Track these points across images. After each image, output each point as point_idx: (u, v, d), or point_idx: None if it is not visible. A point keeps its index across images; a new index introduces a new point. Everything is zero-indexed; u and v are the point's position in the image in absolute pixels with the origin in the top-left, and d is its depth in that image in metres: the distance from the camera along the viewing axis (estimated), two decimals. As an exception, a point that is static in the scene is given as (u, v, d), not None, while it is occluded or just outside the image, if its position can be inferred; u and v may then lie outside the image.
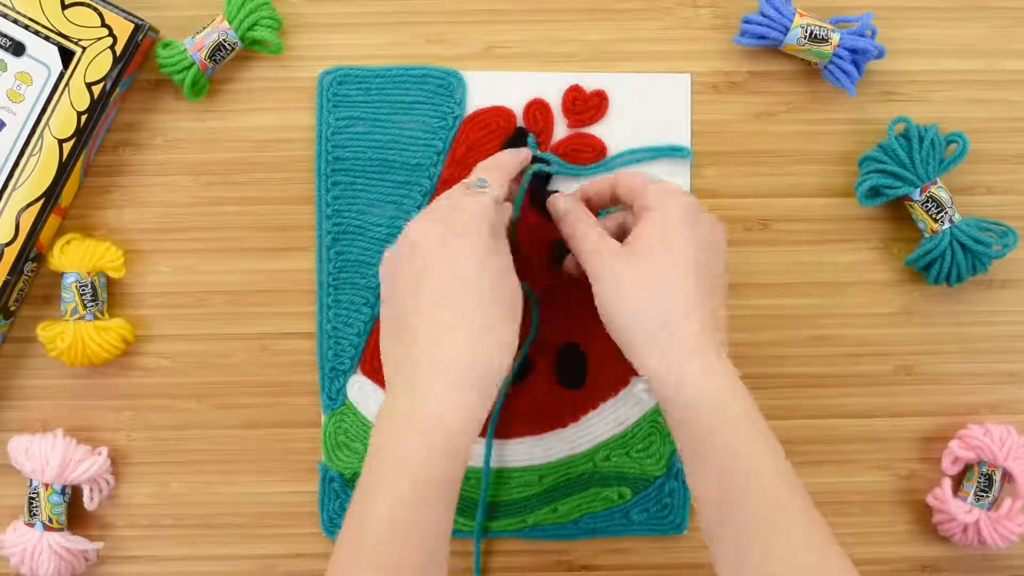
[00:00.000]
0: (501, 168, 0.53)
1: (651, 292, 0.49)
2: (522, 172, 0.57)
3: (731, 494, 0.46)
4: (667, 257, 0.49)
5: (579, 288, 0.59)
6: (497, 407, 0.59)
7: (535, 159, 0.58)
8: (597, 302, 0.50)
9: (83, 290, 0.58)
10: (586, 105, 0.59)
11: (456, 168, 0.59)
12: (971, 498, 0.59)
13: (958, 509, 0.59)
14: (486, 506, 0.60)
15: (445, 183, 0.59)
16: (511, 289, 0.49)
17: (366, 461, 0.48)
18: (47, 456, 0.58)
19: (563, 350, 0.60)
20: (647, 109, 0.60)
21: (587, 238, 0.51)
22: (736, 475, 0.46)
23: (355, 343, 0.60)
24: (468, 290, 0.48)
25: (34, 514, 0.59)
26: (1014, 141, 0.60)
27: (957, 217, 0.58)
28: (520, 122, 0.60)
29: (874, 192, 0.58)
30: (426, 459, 0.46)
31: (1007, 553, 0.62)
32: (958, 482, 0.61)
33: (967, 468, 0.61)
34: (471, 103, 0.59)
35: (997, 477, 0.59)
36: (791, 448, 0.61)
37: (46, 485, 0.59)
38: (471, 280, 0.48)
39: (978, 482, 0.59)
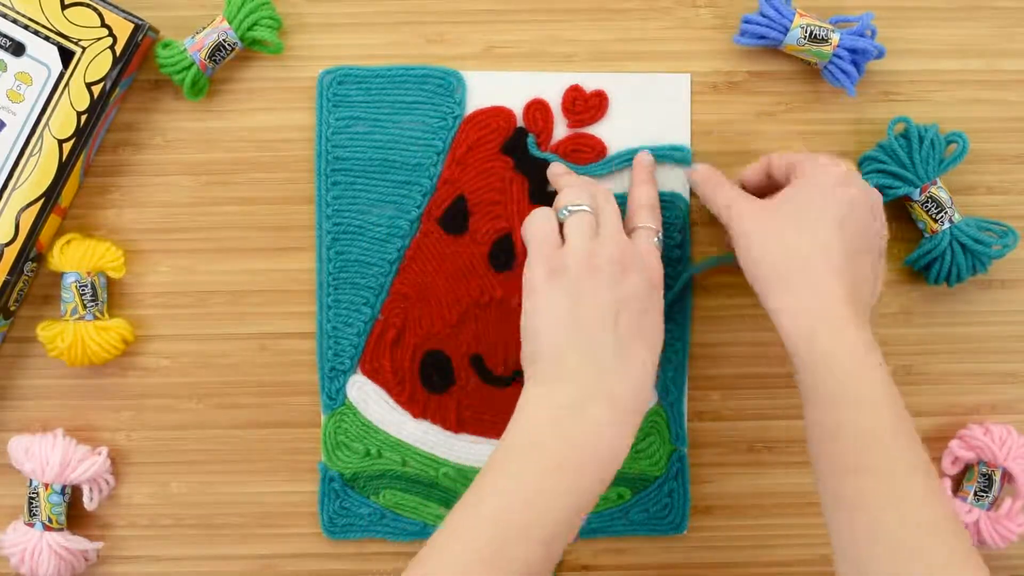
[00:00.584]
0: (657, 210, 0.55)
1: (793, 242, 0.50)
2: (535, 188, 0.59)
3: (849, 457, 0.46)
4: (814, 210, 0.50)
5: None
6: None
7: (540, 161, 0.58)
8: (741, 257, 0.51)
9: (83, 290, 0.58)
10: (586, 105, 0.59)
11: (456, 168, 0.59)
12: (971, 498, 0.59)
13: (958, 509, 0.59)
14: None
15: (445, 183, 0.59)
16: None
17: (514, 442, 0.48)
18: (47, 456, 0.58)
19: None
20: (647, 109, 0.60)
21: (726, 195, 0.53)
22: (856, 441, 0.46)
23: (355, 343, 0.60)
24: (653, 338, 0.50)
25: (34, 514, 0.59)
26: (1014, 141, 0.60)
27: (957, 217, 0.58)
28: (520, 122, 0.60)
29: (874, 192, 0.58)
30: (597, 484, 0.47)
31: (1008, 553, 0.62)
32: (958, 482, 0.61)
33: (967, 468, 0.61)
34: (471, 103, 0.59)
35: (997, 477, 0.59)
36: (791, 448, 0.61)
37: (46, 485, 0.59)
38: (657, 329, 0.50)
39: (978, 482, 0.59)
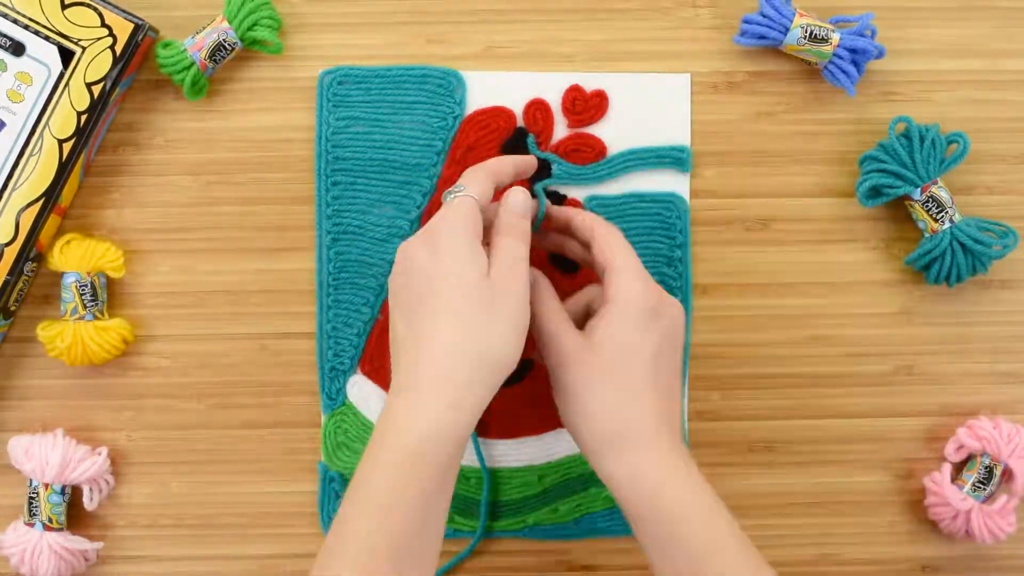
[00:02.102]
0: (482, 170, 0.52)
1: (612, 401, 0.48)
2: (533, 180, 0.57)
3: None
4: (629, 361, 0.49)
5: (578, 288, 0.59)
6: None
7: (540, 161, 0.58)
8: (558, 402, 0.50)
9: (83, 290, 0.58)
10: (586, 105, 0.59)
11: (456, 168, 0.59)
12: (968, 487, 0.59)
13: (953, 495, 0.59)
14: (492, 506, 0.60)
15: (445, 183, 0.59)
16: (506, 285, 0.48)
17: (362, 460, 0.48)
18: (47, 456, 0.58)
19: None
20: (647, 109, 0.60)
21: (551, 322, 0.51)
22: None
23: (355, 343, 0.60)
24: (456, 294, 0.47)
25: (34, 514, 0.59)
26: (1014, 141, 0.60)
27: (957, 217, 0.58)
28: (520, 122, 0.60)
29: (875, 192, 0.58)
30: (418, 454, 0.46)
31: (1008, 553, 0.62)
32: (958, 469, 0.61)
33: (969, 458, 0.61)
34: (471, 103, 0.59)
35: (998, 472, 0.59)
36: (791, 448, 0.61)
37: (46, 485, 0.59)
38: (458, 284, 0.47)
39: (978, 473, 0.59)
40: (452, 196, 0.50)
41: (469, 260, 0.47)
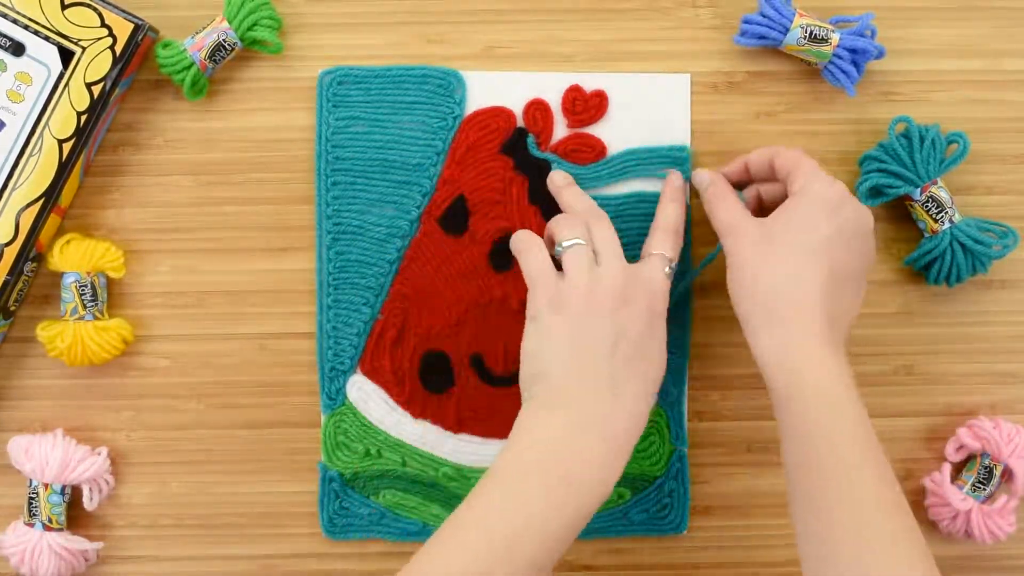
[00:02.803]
0: (679, 235, 0.55)
1: (782, 277, 0.50)
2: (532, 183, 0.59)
3: (823, 494, 0.47)
4: (804, 243, 0.50)
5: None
6: None
7: (540, 161, 0.58)
8: (728, 277, 0.52)
9: (83, 290, 0.58)
10: (586, 105, 0.59)
11: (456, 168, 0.59)
12: (968, 488, 0.59)
13: (953, 495, 0.59)
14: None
15: (445, 183, 0.59)
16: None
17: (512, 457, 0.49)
18: (47, 456, 0.58)
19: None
20: (647, 109, 0.60)
21: (728, 212, 0.53)
22: (830, 479, 0.47)
23: (355, 343, 0.60)
24: (651, 367, 0.51)
25: (34, 514, 0.59)
26: (1014, 141, 0.60)
27: (957, 217, 0.58)
28: (520, 122, 0.60)
29: (875, 192, 0.58)
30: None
31: (1008, 553, 0.62)
32: (958, 470, 0.61)
33: (969, 458, 0.61)
34: (471, 103, 0.59)
35: (998, 472, 0.59)
36: (791, 448, 0.61)
37: (46, 485, 0.59)
38: (655, 358, 0.51)
39: (978, 473, 0.59)
40: (667, 273, 0.53)
41: (664, 337, 0.52)
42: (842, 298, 0.51)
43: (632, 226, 0.59)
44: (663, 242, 0.54)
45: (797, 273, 0.50)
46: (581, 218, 0.54)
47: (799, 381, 0.49)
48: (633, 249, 0.56)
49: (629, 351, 0.50)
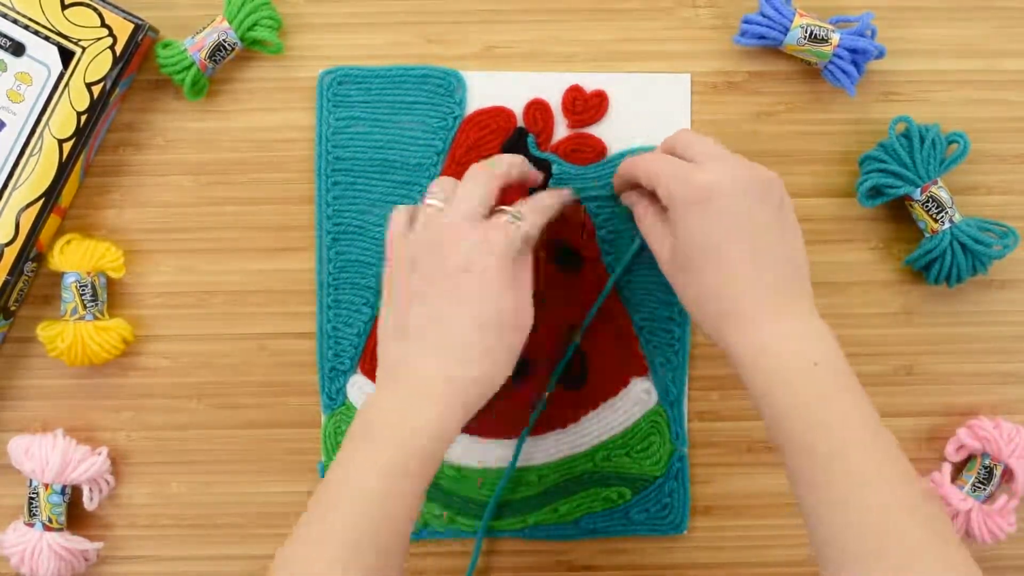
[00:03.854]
0: (543, 212, 0.53)
1: (710, 281, 0.49)
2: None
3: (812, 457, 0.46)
4: (709, 246, 0.49)
5: (578, 288, 0.59)
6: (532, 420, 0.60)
7: (540, 161, 0.59)
8: (682, 302, 0.52)
9: (83, 290, 0.58)
10: (586, 105, 0.59)
11: (456, 168, 0.59)
12: (968, 488, 0.59)
13: (954, 495, 0.59)
14: (488, 506, 0.60)
15: (445, 183, 0.59)
16: (518, 320, 0.50)
17: (346, 441, 0.49)
18: (47, 456, 0.58)
19: (562, 350, 0.60)
20: (647, 109, 0.60)
21: (650, 237, 0.53)
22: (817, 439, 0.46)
23: (355, 343, 0.60)
24: (475, 316, 0.49)
25: (34, 514, 0.59)
26: (1014, 141, 0.60)
27: (957, 217, 0.58)
28: (520, 122, 0.60)
29: (875, 192, 0.58)
30: (398, 460, 0.47)
31: (1008, 553, 0.62)
32: (958, 470, 0.61)
33: (969, 458, 0.61)
34: (471, 103, 0.59)
35: (998, 472, 0.59)
36: (791, 448, 0.61)
37: (46, 485, 0.59)
38: (482, 308, 0.49)
39: (978, 473, 0.59)
40: (512, 221, 0.51)
41: (501, 291, 0.49)
42: (777, 259, 0.49)
43: (632, 226, 0.59)
44: (521, 205, 0.52)
45: (719, 280, 0.49)
46: (452, 180, 0.53)
47: (763, 363, 0.48)
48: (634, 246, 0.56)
49: (427, 298, 0.49)
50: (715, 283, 0.49)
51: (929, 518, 0.44)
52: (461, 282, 0.49)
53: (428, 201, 0.51)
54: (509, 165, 0.53)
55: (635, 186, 0.55)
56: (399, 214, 0.52)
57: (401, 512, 0.46)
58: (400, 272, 0.51)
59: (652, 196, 0.54)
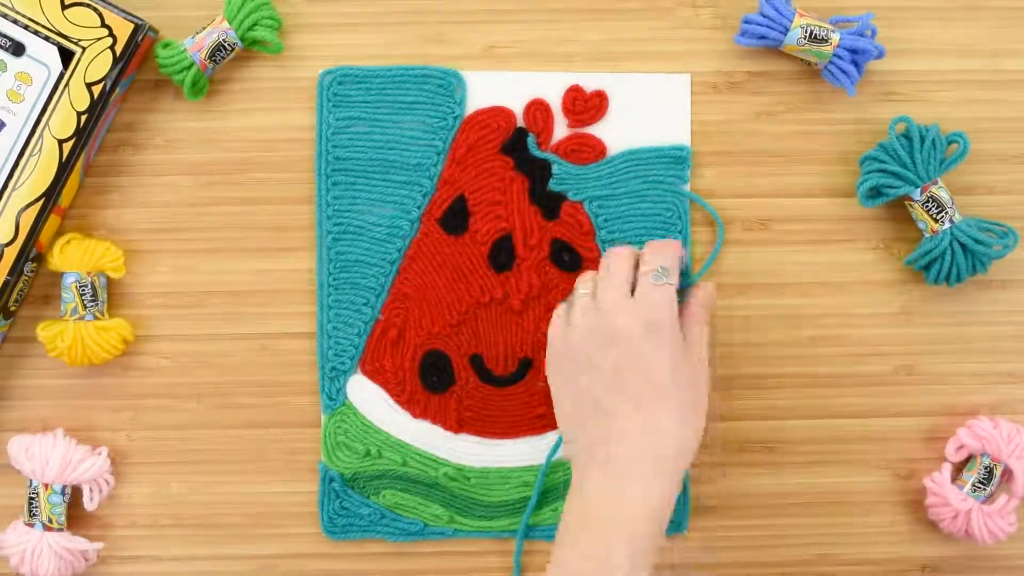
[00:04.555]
0: (675, 258, 0.53)
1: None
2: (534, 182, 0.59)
3: None
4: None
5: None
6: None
7: (540, 161, 0.59)
8: None
9: (83, 290, 0.58)
10: (586, 105, 0.59)
11: (456, 168, 0.59)
12: (968, 488, 0.59)
13: (954, 495, 0.59)
14: (492, 506, 0.60)
15: (445, 183, 0.59)
16: (699, 375, 0.52)
17: (567, 535, 0.51)
18: (47, 456, 0.58)
19: (563, 350, 0.60)
20: (647, 109, 0.60)
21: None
22: None
23: (355, 343, 0.60)
24: (668, 387, 0.50)
25: (34, 514, 0.59)
26: (1014, 141, 0.60)
27: (957, 217, 0.58)
28: (520, 122, 0.60)
29: (875, 192, 0.58)
30: (632, 542, 0.48)
31: (1008, 553, 0.62)
32: (958, 470, 0.61)
33: (969, 458, 0.61)
34: (471, 103, 0.59)
35: (998, 472, 0.59)
36: (791, 448, 0.61)
37: (46, 485, 0.59)
38: (670, 377, 0.50)
39: (978, 473, 0.59)
40: (663, 283, 0.52)
41: (677, 355, 0.51)
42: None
43: (632, 226, 0.59)
44: (653, 256, 0.53)
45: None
46: (592, 271, 0.55)
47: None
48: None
49: (627, 372, 0.50)
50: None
51: None
52: (660, 340, 0.50)
53: (579, 292, 0.54)
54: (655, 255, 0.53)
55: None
56: (557, 318, 0.55)
57: None
58: (568, 364, 0.53)
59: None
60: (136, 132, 0.60)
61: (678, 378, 0.50)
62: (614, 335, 0.51)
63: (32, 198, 0.56)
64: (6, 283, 0.56)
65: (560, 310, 0.55)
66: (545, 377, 0.56)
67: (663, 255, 0.52)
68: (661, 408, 0.50)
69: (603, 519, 0.49)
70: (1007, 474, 0.59)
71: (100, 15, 0.56)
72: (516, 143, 0.59)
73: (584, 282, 0.54)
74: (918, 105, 0.60)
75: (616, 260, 0.53)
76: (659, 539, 0.49)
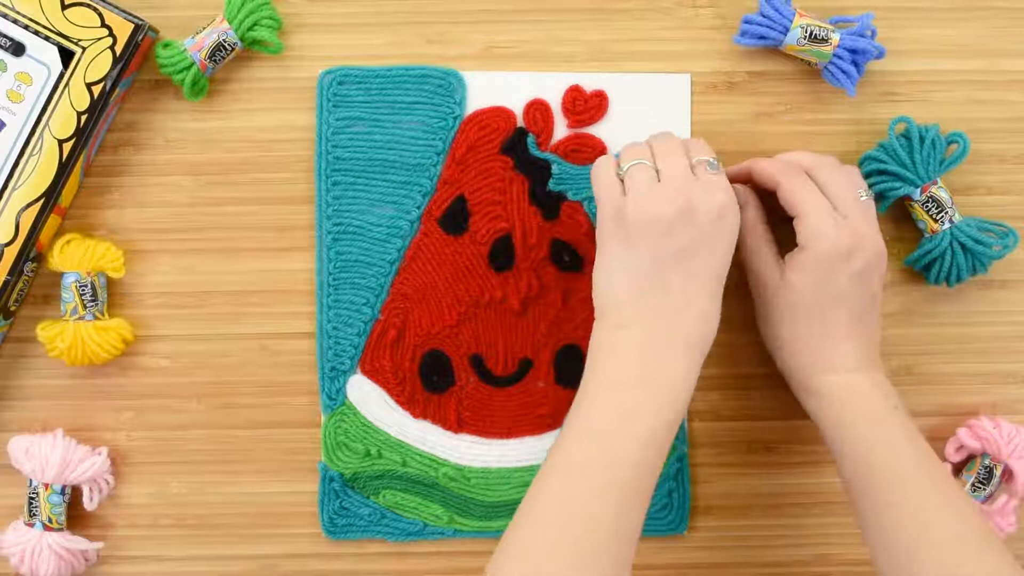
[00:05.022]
0: (705, 143, 0.54)
1: (804, 333, 0.54)
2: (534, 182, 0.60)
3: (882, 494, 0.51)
4: (816, 301, 0.53)
5: (578, 288, 0.59)
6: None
7: (540, 161, 0.59)
8: (760, 326, 0.57)
9: (83, 290, 0.58)
10: (586, 105, 0.59)
11: (456, 168, 0.59)
12: (968, 488, 0.59)
13: None
14: (492, 506, 0.60)
15: (445, 183, 0.59)
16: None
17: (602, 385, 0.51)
18: (47, 456, 0.58)
19: (562, 350, 0.60)
20: (647, 109, 0.60)
21: (763, 264, 0.55)
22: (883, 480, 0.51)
23: (355, 343, 0.60)
24: (720, 277, 0.52)
25: (34, 514, 0.59)
26: (1014, 141, 0.60)
27: (957, 217, 0.58)
28: (520, 122, 0.60)
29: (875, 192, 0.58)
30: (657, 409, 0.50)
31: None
32: (958, 470, 0.61)
33: (969, 458, 0.61)
34: (471, 103, 0.59)
35: (998, 472, 0.59)
36: (791, 448, 0.61)
37: (46, 485, 0.59)
38: (723, 268, 0.52)
39: (978, 473, 0.59)
40: (716, 170, 0.52)
41: (731, 252, 0.52)
42: (868, 325, 0.54)
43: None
44: (697, 149, 0.53)
45: (819, 331, 0.53)
46: (643, 143, 0.54)
47: (844, 419, 0.53)
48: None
49: (696, 260, 0.50)
50: (814, 333, 0.53)
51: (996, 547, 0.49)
52: (724, 228, 0.51)
53: (629, 163, 0.52)
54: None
55: (744, 180, 0.57)
56: (607, 180, 0.53)
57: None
58: (647, 228, 0.51)
59: (765, 200, 0.56)
60: (136, 132, 0.60)
61: (723, 274, 0.52)
62: (691, 213, 0.50)
63: (32, 198, 0.56)
64: (6, 283, 0.56)
65: (603, 171, 0.53)
66: (545, 377, 0.56)
67: (708, 151, 0.53)
68: (707, 296, 0.51)
69: (633, 378, 0.50)
70: (1007, 474, 0.59)
71: (100, 15, 0.56)
72: (516, 143, 0.59)
73: (635, 153, 0.53)
74: (918, 105, 0.60)
75: (668, 141, 0.53)
76: (681, 414, 0.51)
